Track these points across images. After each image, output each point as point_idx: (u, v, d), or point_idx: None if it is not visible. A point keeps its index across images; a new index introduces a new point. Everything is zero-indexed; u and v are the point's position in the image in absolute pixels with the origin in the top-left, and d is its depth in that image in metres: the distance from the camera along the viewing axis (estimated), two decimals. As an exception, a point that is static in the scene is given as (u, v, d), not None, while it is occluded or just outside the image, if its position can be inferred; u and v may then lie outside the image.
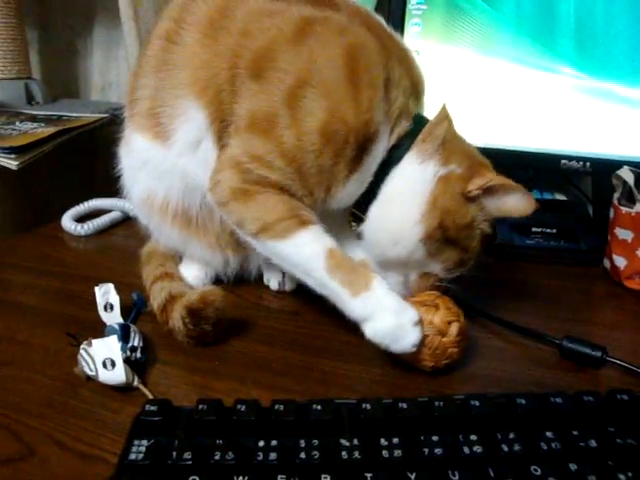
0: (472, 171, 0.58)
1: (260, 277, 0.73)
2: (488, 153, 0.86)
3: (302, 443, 0.40)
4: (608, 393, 0.46)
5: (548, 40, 0.80)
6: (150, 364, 0.57)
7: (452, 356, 0.54)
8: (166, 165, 0.63)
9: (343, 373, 0.56)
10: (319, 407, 0.44)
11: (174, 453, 0.40)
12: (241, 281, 0.73)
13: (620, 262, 0.73)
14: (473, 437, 0.41)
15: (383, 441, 0.40)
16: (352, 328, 0.62)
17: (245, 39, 0.57)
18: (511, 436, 0.41)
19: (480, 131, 0.85)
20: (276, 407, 0.44)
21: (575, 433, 0.41)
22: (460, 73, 0.85)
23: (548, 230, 0.82)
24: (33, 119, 1.14)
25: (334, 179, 0.57)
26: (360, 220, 0.61)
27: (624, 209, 0.71)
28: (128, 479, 0.38)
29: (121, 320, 0.62)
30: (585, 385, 0.55)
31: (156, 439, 0.41)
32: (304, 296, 0.69)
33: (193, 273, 0.70)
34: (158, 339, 0.61)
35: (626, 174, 0.71)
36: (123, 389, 0.53)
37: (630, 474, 0.38)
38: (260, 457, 0.39)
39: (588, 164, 0.82)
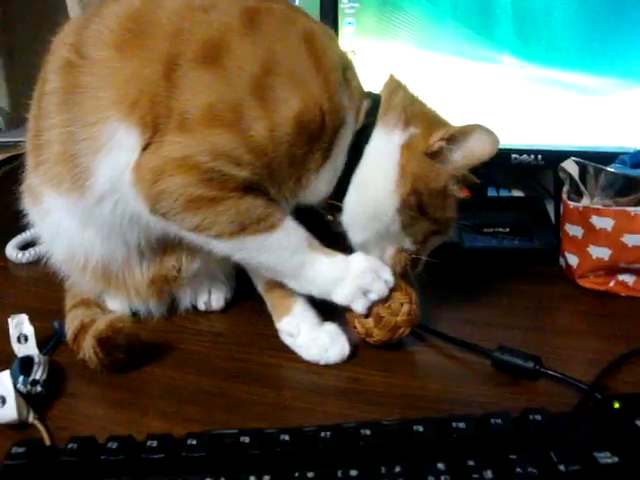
0: (430, 129, 0.58)
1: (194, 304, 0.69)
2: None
3: (166, 485, 0.37)
4: (522, 413, 0.42)
5: (487, 30, 0.76)
6: (56, 397, 0.54)
7: (402, 334, 0.57)
8: (83, 233, 0.60)
9: (253, 399, 0.53)
10: (194, 442, 0.40)
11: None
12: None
13: (573, 260, 0.68)
14: (353, 472, 0.37)
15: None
16: (275, 348, 0.59)
17: (181, 37, 0.53)
18: (397, 470, 0.37)
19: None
20: (148, 443, 0.40)
21: (471, 463, 0.37)
22: (399, 70, 0.80)
23: (501, 229, 0.77)
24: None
25: (307, 169, 0.56)
26: (338, 210, 0.59)
27: (572, 204, 0.66)
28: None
29: (36, 351, 0.59)
30: (518, 401, 0.50)
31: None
32: (232, 316, 0.67)
33: (119, 305, 0.67)
34: (72, 369, 0.58)
35: (570, 166, 0.66)
36: (19, 426, 0.50)
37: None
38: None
39: (540, 157, 0.77)
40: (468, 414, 0.42)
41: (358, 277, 0.57)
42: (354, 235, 0.60)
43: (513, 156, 0.78)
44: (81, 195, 0.56)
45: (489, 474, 0.36)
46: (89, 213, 0.58)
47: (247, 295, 0.67)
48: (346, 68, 0.59)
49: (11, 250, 0.86)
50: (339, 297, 0.57)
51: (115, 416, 0.52)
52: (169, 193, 0.52)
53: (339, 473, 0.37)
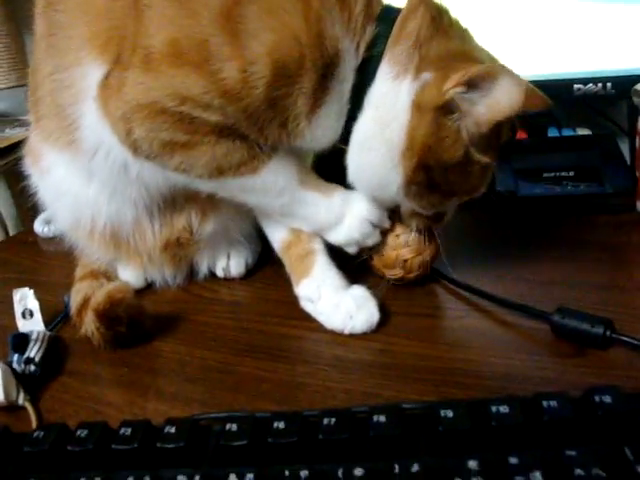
0: (447, 71, 0.45)
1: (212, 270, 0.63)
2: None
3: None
4: (585, 394, 0.32)
5: None
6: (53, 376, 0.50)
7: (420, 269, 0.53)
8: (86, 191, 0.56)
9: (263, 376, 0.46)
10: (172, 430, 0.34)
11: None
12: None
13: (653, 203, 0.55)
14: (357, 472, 0.29)
15: (232, 477, 0.29)
16: (298, 317, 0.52)
17: None
18: (413, 469, 0.28)
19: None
20: (122, 431, 0.34)
21: (513, 461, 0.28)
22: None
23: (564, 173, 0.65)
24: (25, 125, 1.12)
25: (294, 114, 0.47)
26: None
27: (651, 134, 0.54)
28: None
29: (42, 327, 0.55)
30: (584, 376, 0.40)
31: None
32: (254, 283, 0.61)
33: (131, 273, 0.62)
34: (75, 346, 0.54)
35: (648, 88, 0.53)
36: (10, 409, 0.45)
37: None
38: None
39: (609, 85, 0.64)
40: (512, 395, 0.32)
41: (355, 228, 0.52)
42: (362, 190, 0.53)
43: (576, 86, 0.66)
44: (76, 149, 0.53)
45: (538, 477, 0.27)
46: (88, 168, 0.54)
47: (273, 259, 0.59)
48: None
49: (38, 225, 0.85)
50: (331, 239, 0.54)
51: (110, 397, 0.46)
52: (142, 139, 0.48)
53: (339, 473, 0.29)
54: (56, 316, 0.57)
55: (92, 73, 0.48)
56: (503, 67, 0.45)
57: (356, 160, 0.50)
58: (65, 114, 0.52)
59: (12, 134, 1.04)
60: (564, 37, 0.66)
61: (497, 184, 0.66)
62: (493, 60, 0.49)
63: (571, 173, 0.65)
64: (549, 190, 0.64)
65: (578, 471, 0.26)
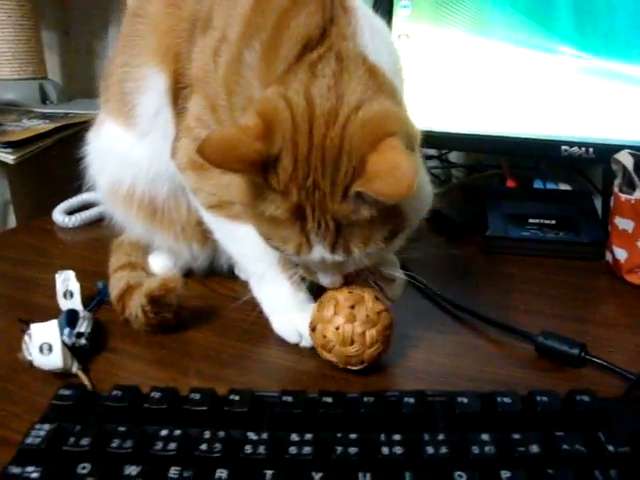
0: None
1: (231, 269, 0.70)
2: (485, 140, 0.82)
3: (207, 434, 0.37)
4: (568, 393, 0.41)
5: (546, 19, 0.75)
6: (98, 351, 0.55)
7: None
8: (132, 153, 0.63)
9: (292, 366, 0.53)
10: (237, 397, 0.41)
11: (72, 439, 0.37)
12: (212, 272, 0.70)
13: (621, 254, 0.66)
14: (396, 437, 0.36)
15: (294, 436, 0.37)
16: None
17: (199, 4, 0.56)
18: (440, 437, 0.36)
19: (475, 117, 0.80)
20: (192, 396, 0.41)
21: (516, 437, 0.36)
22: (453, 56, 0.80)
23: (546, 221, 0.75)
24: (42, 117, 1.16)
25: None
26: None
27: (624, 196, 0.64)
28: (17, 465, 0.36)
29: (81, 307, 0.60)
30: (560, 386, 0.49)
31: (60, 424, 0.39)
32: None
33: (161, 263, 0.69)
34: (113, 327, 0.60)
35: (625, 158, 0.64)
36: (63, 376, 0.51)
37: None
38: (159, 446, 0.36)
39: (591, 150, 0.75)
40: (513, 390, 0.41)
41: (292, 334, 0.56)
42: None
43: (563, 148, 0.76)
44: (130, 127, 0.62)
45: (535, 449, 0.35)
46: (136, 140, 0.63)
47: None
48: None
49: (58, 215, 0.89)
50: (274, 325, 0.57)
51: (155, 373, 0.52)
52: (178, 151, 0.58)
53: (382, 437, 0.36)
54: (86, 300, 0.62)
55: (151, 75, 0.59)
56: None
57: None
58: (126, 100, 0.62)
59: (31, 125, 1.08)
60: (559, 104, 0.76)
61: (489, 226, 0.76)
62: None
63: (552, 221, 0.76)
64: (534, 234, 0.75)
65: (565, 447, 0.35)
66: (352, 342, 0.48)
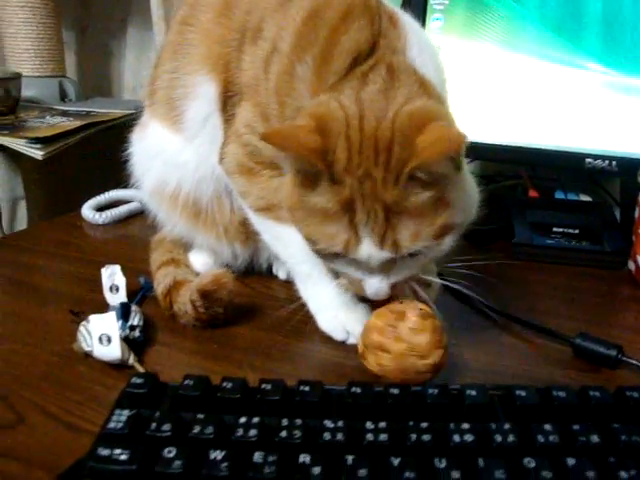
0: None
1: (269, 269, 0.72)
2: (511, 151, 0.84)
3: (285, 422, 0.39)
4: (617, 390, 0.43)
5: (574, 35, 0.78)
6: (149, 345, 0.57)
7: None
8: (180, 155, 0.65)
9: (340, 362, 0.55)
10: (307, 388, 0.42)
11: (153, 424, 0.39)
12: (250, 272, 0.72)
13: (645, 264, 0.69)
14: (465, 426, 0.39)
15: (369, 424, 0.39)
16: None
17: (249, 15, 0.58)
18: (506, 427, 0.39)
19: (503, 128, 0.83)
20: (263, 386, 0.43)
21: (576, 428, 0.39)
22: (482, 69, 0.83)
23: (570, 230, 0.78)
24: (64, 114, 1.17)
25: None
26: None
27: (649, 207, 0.67)
28: (104, 447, 0.37)
29: (126, 301, 0.62)
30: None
31: (138, 410, 0.40)
32: None
33: (202, 260, 0.70)
34: (160, 322, 0.61)
35: (652, 171, 0.67)
36: (119, 367, 0.53)
37: (633, 472, 0.35)
38: (240, 433, 0.38)
39: (614, 163, 0.78)
40: (568, 386, 0.43)
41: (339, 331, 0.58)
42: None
43: (587, 160, 0.79)
44: (178, 131, 0.64)
45: (595, 439, 0.38)
46: (183, 144, 0.64)
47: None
48: None
49: (87, 211, 0.90)
50: (320, 323, 0.59)
51: (211, 367, 0.53)
52: (226, 156, 0.60)
53: (451, 426, 0.39)
54: (129, 295, 0.63)
55: (202, 83, 0.61)
56: None
57: None
58: (174, 105, 0.63)
59: (55, 122, 1.09)
60: (584, 118, 0.80)
61: (516, 233, 0.79)
62: None
63: (576, 231, 0.79)
64: (558, 243, 0.78)
65: (623, 437, 0.38)
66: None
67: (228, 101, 0.60)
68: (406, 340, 0.46)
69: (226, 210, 0.66)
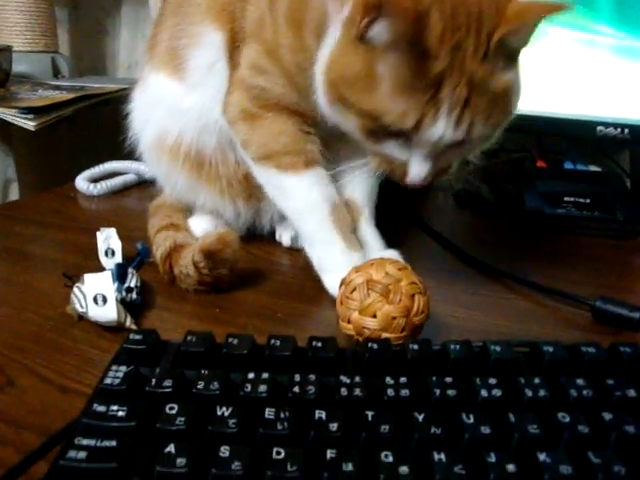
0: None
1: (272, 234, 0.69)
2: (520, 119, 0.81)
3: (297, 378, 0.36)
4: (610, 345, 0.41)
5: (586, -3, 0.75)
6: (147, 309, 0.54)
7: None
8: (182, 102, 0.62)
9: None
10: (319, 344, 0.40)
11: (153, 380, 0.36)
12: (252, 237, 0.69)
13: (661, 231, 0.67)
14: (492, 380, 0.36)
15: (389, 380, 0.36)
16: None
17: None
18: (536, 381, 0.36)
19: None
20: (272, 342, 0.40)
21: (610, 382, 0.36)
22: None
23: (581, 200, 0.76)
24: (57, 88, 1.13)
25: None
26: None
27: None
28: (100, 403, 0.34)
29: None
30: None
31: (137, 367, 0.37)
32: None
33: (203, 225, 0.67)
34: (159, 287, 0.58)
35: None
36: (115, 329, 0.50)
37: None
38: (248, 389, 0.35)
39: (627, 131, 0.76)
40: (596, 342, 0.40)
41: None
42: None
43: (599, 128, 0.77)
44: (180, 80, 0.62)
45: (632, 393, 0.35)
46: (187, 99, 0.62)
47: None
48: None
49: (81, 182, 0.87)
50: (325, 281, 0.57)
51: (214, 330, 0.50)
52: (229, 104, 0.59)
53: (477, 381, 0.36)
54: (126, 261, 0.61)
55: (207, 32, 0.59)
56: None
57: None
58: (177, 54, 0.61)
59: (47, 95, 1.05)
60: (595, 85, 0.77)
61: (526, 202, 0.76)
62: None
63: (587, 200, 0.76)
64: (570, 212, 0.75)
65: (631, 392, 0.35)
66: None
67: (235, 51, 0.59)
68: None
69: (230, 161, 0.63)
